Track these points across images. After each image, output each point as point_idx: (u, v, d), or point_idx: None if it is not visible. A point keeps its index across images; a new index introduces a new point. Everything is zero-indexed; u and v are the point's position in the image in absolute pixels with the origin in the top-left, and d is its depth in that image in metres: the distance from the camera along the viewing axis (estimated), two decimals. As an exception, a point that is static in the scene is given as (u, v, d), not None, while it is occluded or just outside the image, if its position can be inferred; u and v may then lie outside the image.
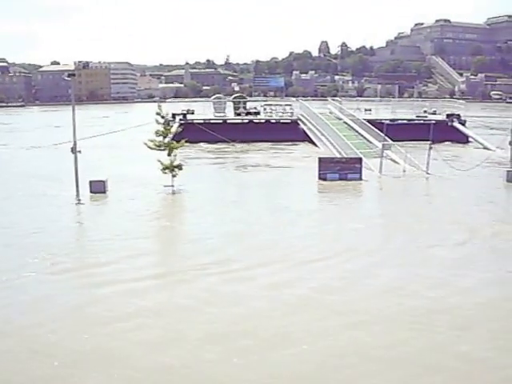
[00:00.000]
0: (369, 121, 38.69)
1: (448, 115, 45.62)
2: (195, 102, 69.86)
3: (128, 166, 30.48)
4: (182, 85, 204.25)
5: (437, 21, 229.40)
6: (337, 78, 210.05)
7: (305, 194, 24.20)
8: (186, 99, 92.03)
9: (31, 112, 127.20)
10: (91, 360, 9.22)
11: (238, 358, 9.21)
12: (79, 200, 21.61)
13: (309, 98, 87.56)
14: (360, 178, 26.45)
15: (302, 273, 13.44)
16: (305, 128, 42.79)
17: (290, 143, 41.36)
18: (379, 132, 33.48)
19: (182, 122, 40.99)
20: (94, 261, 14.51)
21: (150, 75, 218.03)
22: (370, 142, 35.02)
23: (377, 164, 28.55)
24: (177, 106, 51.46)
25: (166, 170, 23.69)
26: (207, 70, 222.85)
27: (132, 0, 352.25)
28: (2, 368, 9.03)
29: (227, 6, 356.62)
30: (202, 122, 42.41)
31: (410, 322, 10.52)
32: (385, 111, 52.06)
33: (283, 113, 47.24)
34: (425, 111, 48.66)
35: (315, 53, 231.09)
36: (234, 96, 55.33)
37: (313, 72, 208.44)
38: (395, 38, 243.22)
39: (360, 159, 27.82)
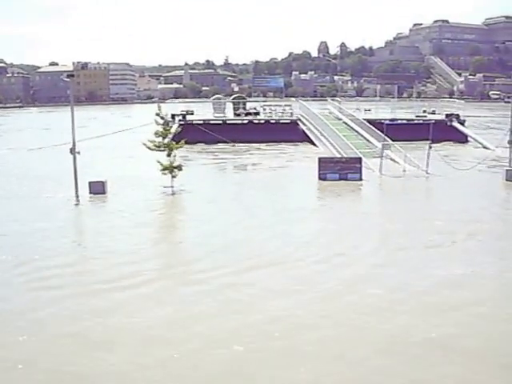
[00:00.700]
0: (368, 121, 38.71)
1: (447, 115, 45.65)
2: (194, 102, 70.02)
3: (125, 166, 30.47)
4: (181, 85, 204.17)
5: (435, 21, 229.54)
6: (336, 78, 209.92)
7: (304, 195, 24.17)
8: (186, 100, 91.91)
9: (29, 113, 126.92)
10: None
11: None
12: (78, 201, 21.62)
13: (308, 98, 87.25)
14: (360, 178, 26.41)
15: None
16: (304, 128, 42.74)
17: (289, 143, 41.31)
18: (379, 132, 33.47)
19: (182, 122, 40.95)
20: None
21: (149, 76, 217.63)
22: (370, 142, 35.02)
23: (377, 164, 28.52)
24: (176, 107, 51.43)
25: (166, 171, 23.63)
26: (206, 70, 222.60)
27: (131, 0, 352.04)
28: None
29: (226, 7, 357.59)
30: (201, 122, 42.41)
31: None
32: (384, 111, 52.05)
33: (283, 113, 47.18)
34: (424, 111, 48.71)
35: (314, 53, 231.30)
36: (233, 96, 55.28)
37: (312, 72, 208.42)
38: (394, 39, 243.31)
39: (360, 159, 27.78)
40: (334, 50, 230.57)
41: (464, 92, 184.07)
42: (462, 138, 43.25)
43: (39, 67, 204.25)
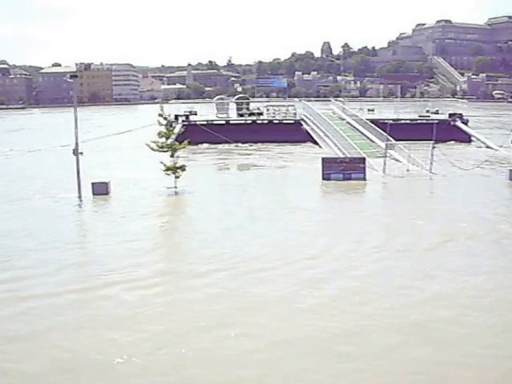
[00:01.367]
0: (372, 121, 38.66)
1: (450, 115, 45.64)
2: (198, 103, 69.91)
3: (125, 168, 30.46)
4: (184, 86, 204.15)
5: (438, 21, 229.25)
6: (339, 78, 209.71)
7: (308, 195, 24.10)
8: (189, 100, 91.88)
9: (32, 114, 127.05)
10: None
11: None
12: (81, 202, 21.62)
13: (311, 98, 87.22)
14: (364, 178, 26.35)
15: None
16: (308, 128, 42.72)
17: (293, 144, 41.25)
18: (382, 132, 33.41)
19: (185, 123, 40.93)
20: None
21: (152, 77, 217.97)
22: (374, 142, 34.97)
23: (380, 164, 28.46)
24: (179, 108, 51.36)
25: (169, 172, 23.59)
26: (209, 71, 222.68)
27: (134, 1, 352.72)
28: None
29: (229, 7, 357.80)
30: (204, 123, 42.40)
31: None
32: (388, 111, 51.92)
33: (286, 113, 47.17)
34: (427, 111, 48.66)
35: (317, 53, 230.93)
36: (236, 97, 55.35)
37: (315, 73, 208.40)
38: (397, 39, 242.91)
39: (363, 159, 27.70)
40: (337, 50, 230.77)
41: (467, 92, 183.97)
42: (466, 138, 43.16)
43: (42, 68, 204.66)
